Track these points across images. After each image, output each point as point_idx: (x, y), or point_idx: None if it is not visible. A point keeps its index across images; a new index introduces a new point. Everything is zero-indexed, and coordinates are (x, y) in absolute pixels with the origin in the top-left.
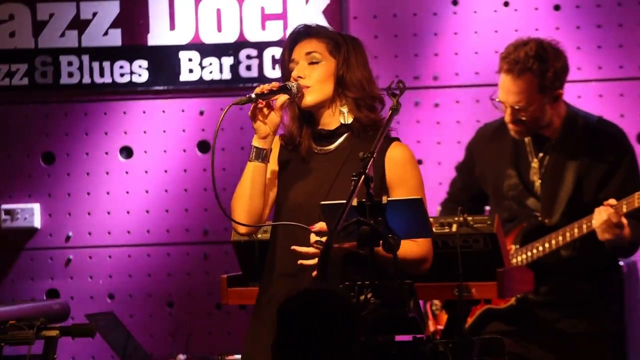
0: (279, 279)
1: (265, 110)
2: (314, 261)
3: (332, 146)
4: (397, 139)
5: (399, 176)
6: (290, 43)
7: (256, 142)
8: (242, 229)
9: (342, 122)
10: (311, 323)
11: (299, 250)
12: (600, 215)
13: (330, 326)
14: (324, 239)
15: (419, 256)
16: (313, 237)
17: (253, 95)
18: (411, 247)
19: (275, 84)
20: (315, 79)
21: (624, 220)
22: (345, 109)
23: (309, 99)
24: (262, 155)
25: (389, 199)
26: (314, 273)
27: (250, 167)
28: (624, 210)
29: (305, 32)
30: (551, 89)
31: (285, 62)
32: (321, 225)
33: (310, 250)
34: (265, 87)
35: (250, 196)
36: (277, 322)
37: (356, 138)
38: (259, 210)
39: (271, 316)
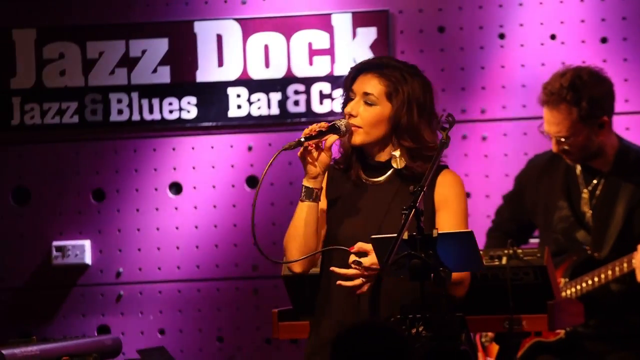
0: (333, 311)
1: (315, 152)
2: (353, 282)
3: (382, 178)
4: (447, 167)
5: (444, 197)
6: (355, 72)
7: (307, 182)
8: (297, 268)
9: (394, 166)
10: (364, 356)
11: (337, 271)
12: None
13: (382, 358)
14: (362, 259)
15: (457, 277)
16: (352, 258)
17: (302, 139)
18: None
19: (323, 124)
20: (366, 121)
21: None
22: (397, 153)
23: (358, 140)
24: (314, 195)
25: (439, 232)
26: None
27: (302, 207)
28: None
29: (372, 66)
30: (591, 117)
31: (346, 89)
32: (360, 246)
33: (350, 271)
34: (314, 128)
35: (304, 236)
36: (330, 355)
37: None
38: (313, 249)
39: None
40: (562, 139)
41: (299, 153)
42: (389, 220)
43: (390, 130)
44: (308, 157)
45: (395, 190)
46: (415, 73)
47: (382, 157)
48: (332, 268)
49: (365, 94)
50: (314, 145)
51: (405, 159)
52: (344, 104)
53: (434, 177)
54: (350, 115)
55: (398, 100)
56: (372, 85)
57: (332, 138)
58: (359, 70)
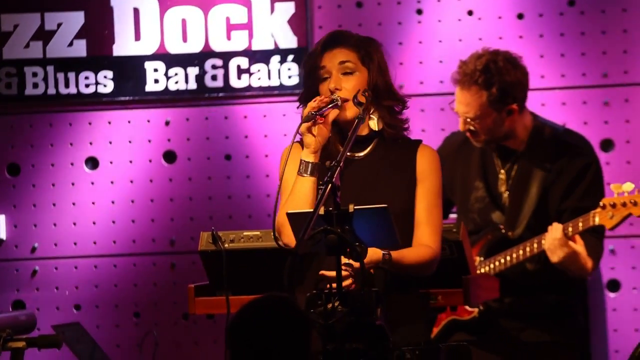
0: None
1: (318, 126)
2: (345, 282)
3: (365, 152)
4: (421, 141)
5: (423, 171)
6: (320, 49)
7: (308, 157)
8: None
9: (373, 128)
10: (260, 331)
11: (327, 274)
12: (552, 233)
13: (279, 333)
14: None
15: (429, 258)
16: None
17: (314, 112)
18: (420, 251)
19: (323, 99)
20: (352, 91)
21: (577, 239)
22: (375, 116)
23: (349, 114)
24: (314, 169)
25: (355, 207)
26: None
27: (304, 183)
28: (580, 228)
29: (336, 40)
30: (500, 103)
31: (315, 69)
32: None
33: (332, 273)
34: (317, 103)
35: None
36: (227, 336)
37: (386, 142)
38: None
39: None
40: (469, 120)
41: (303, 127)
42: (383, 193)
43: (372, 95)
44: (312, 130)
45: (382, 160)
46: (371, 39)
47: (363, 130)
48: (322, 272)
49: (342, 62)
50: (322, 119)
51: (383, 120)
52: (310, 89)
53: (412, 147)
54: (336, 90)
55: (373, 64)
56: (345, 54)
57: (334, 112)
58: (325, 47)
